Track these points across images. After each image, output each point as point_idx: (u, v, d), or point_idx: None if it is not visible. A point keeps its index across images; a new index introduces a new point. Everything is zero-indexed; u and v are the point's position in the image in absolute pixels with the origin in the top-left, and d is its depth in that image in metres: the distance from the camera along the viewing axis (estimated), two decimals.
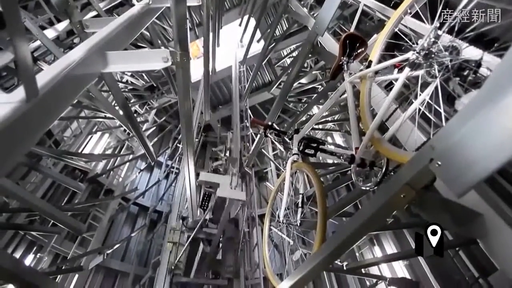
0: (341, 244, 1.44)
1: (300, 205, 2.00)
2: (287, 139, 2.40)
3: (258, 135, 5.73)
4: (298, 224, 1.99)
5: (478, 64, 1.15)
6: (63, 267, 5.93)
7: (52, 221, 5.46)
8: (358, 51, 2.11)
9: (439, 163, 0.97)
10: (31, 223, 5.52)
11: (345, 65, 2.09)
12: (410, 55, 1.42)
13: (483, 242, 1.29)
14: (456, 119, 0.97)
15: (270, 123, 2.52)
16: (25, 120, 1.04)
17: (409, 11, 1.73)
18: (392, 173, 1.53)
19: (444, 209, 1.25)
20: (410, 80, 1.81)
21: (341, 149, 1.81)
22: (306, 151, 1.95)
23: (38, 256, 5.73)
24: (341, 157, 1.76)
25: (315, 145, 1.93)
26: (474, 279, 3.99)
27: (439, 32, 1.31)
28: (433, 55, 1.32)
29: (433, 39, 1.33)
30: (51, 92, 1.15)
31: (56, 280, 5.58)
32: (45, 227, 5.51)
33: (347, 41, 2.07)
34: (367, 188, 1.66)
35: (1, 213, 5.00)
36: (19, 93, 1.08)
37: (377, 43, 1.85)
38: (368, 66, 1.81)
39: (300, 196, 2.03)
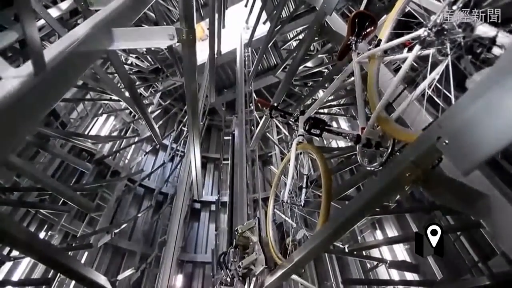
0: (344, 223, 1.46)
1: (304, 186, 2.02)
2: (292, 120, 2.38)
3: (263, 118, 5.71)
4: (302, 205, 2.01)
5: (493, 41, 1.10)
6: (73, 245, 6.15)
7: (61, 200, 5.65)
8: (367, 31, 2.03)
9: (447, 141, 0.97)
10: (42, 202, 5.68)
11: (354, 45, 2.02)
12: (422, 32, 1.36)
13: (487, 222, 1.31)
14: (465, 98, 0.96)
15: (275, 104, 2.50)
16: (34, 94, 1.05)
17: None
18: (398, 154, 1.52)
19: (449, 189, 1.25)
20: (418, 63, 1.75)
21: (347, 129, 1.79)
22: (312, 131, 1.92)
23: (49, 233, 5.94)
24: (347, 137, 1.74)
25: (321, 125, 1.90)
26: (473, 263, 4.06)
27: (453, 8, 1.25)
28: (445, 32, 1.26)
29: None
30: (58, 67, 1.16)
31: None
32: (56, 206, 5.67)
33: (356, 20, 2.00)
34: (373, 169, 1.66)
35: (12, 192, 5.14)
36: (27, 67, 1.08)
37: (388, 21, 1.77)
38: (377, 45, 1.74)
39: (305, 177, 2.06)
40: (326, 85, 7.52)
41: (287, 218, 2.29)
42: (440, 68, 1.29)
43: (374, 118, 1.57)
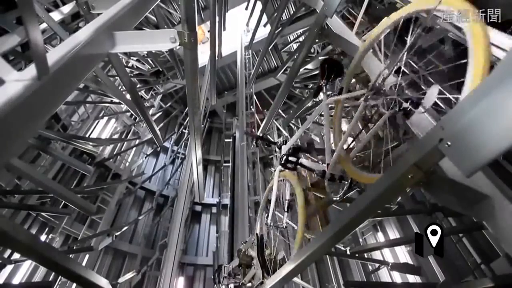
0: (346, 225, 1.46)
1: (285, 210, 2.30)
2: (276, 149, 2.64)
3: (264, 120, 5.72)
4: (284, 227, 2.30)
5: (417, 104, 1.33)
6: (74, 247, 6.14)
7: (62, 203, 5.65)
8: (336, 75, 2.24)
9: (449, 143, 0.97)
10: (42, 204, 5.68)
11: (324, 87, 2.20)
12: (364, 91, 1.63)
13: (489, 224, 1.30)
14: (467, 100, 0.96)
15: (261, 134, 2.93)
16: (37, 97, 1.05)
17: (376, 46, 1.86)
18: (356, 188, 1.73)
19: (452, 190, 1.25)
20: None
21: (316, 164, 2.02)
22: (288, 165, 2.17)
23: (50, 236, 5.94)
24: (315, 172, 1.95)
25: (294, 161, 2.15)
26: (476, 265, 4.04)
27: (387, 72, 1.50)
28: (381, 92, 1.52)
29: (382, 78, 1.53)
30: (61, 70, 1.16)
31: None
32: (56, 208, 5.67)
33: (326, 66, 2.21)
34: (335, 198, 1.84)
35: (13, 194, 5.15)
36: (30, 71, 1.09)
37: (348, 74, 2.05)
38: (340, 93, 2.00)
39: (286, 202, 2.32)
40: None
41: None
42: (380, 122, 1.52)
43: (336, 157, 1.77)
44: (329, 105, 2.12)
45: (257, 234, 2.56)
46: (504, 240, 1.28)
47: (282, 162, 2.18)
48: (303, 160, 2.14)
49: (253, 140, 2.84)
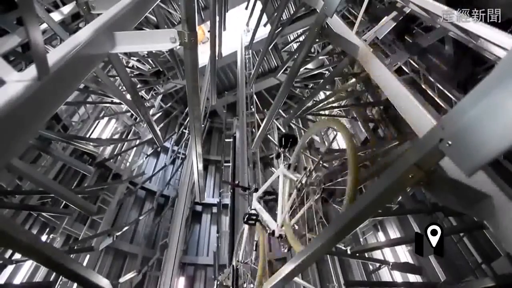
0: (346, 225, 1.46)
1: (254, 248, 2.75)
2: (250, 192, 3.08)
3: (264, 120, 5.72)
4: (253, 263, 2.79)
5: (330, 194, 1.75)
6: (75, 248, 6.14)
7: (63, 203, 5.65)
8: (291, 144, 2.62)
9: (449, 143, 0.97)
10: (43, 205, 5.69)
11: (282, 155, 2.56)
12: (296, 182, 2.09)
13: (490, 223, 1.30)
14: (467, 99, 0.96)
15: (237, 182, 3.73)
16: (38, 98, 1.05)
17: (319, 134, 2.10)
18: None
19: (452, 190, 1.25)
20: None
21: (270, 223, 2.32)
22: (248, 222, 2.65)
23: (51, 236, 5.94)
24: (267, 230, 2.32)
25: (254, 218, 2.63)
26: (477, 264, 4.03)
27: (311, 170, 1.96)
28: (308, 184, 1.95)
29: (307, 176, 1.97)
30: (61, 70, 1.16)
31: None
32: (57, 209, 5.68)
33: (283, 138, 2.61)
34: (285, 250, 2.19)
35: (14, 195, 5.15)
36: (31, 71, 1.09)
37: (294, 154, 2.47)
38: (289, 167, 2.41)
39: (255, 242, 2.76)
40: (327, 87, 7.53)
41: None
42: (306, 207, 1.89)
43: (281, 221, 2.12)
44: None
45: (233, 266, 2.97)
46: (505, 239, 1.28)
47: (245, 220, 2.70)
48: (262, 216, 2.56)
49: (231, 187, 3.36)
